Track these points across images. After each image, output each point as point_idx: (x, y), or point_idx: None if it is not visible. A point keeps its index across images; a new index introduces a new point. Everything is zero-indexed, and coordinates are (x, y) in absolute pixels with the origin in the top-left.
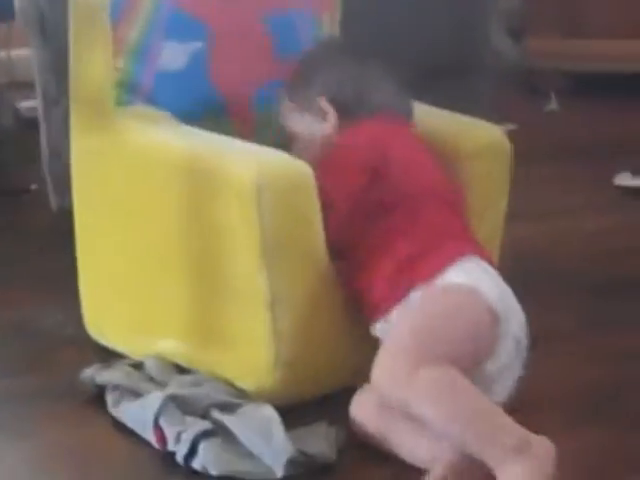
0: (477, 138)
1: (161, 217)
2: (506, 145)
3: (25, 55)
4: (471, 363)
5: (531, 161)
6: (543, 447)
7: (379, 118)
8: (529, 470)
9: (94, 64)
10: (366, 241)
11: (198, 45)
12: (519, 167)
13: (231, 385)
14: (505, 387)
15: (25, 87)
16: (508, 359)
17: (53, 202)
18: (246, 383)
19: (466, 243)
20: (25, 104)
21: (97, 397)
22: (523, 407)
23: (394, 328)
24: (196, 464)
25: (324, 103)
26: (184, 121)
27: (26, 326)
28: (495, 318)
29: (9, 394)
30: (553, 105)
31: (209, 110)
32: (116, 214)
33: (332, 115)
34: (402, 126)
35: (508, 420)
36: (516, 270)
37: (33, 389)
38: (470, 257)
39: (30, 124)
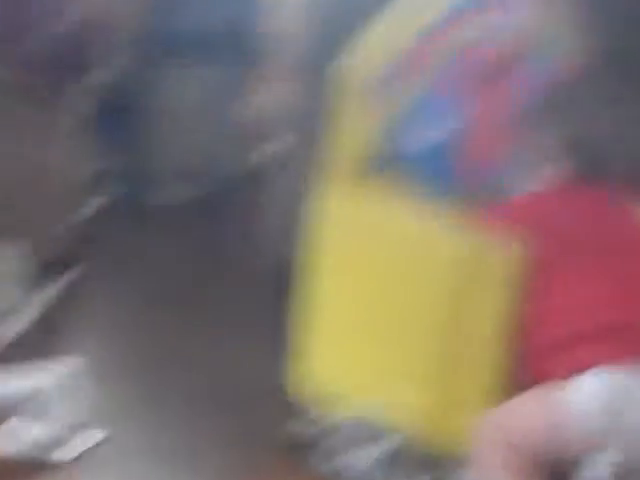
0: None
1: (411, 287)
2: None
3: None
4: None
5: None
6: None
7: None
8: None
9: (355, 136)
10: None
11: (450, 126)
12: None
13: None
14: None
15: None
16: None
17: (270, 252)
18: None
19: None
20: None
21: (297, 449)
22: None
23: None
24: None
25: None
26: (430, 195)
27: (229, 371)
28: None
29: (209, 440)
30: None
31: (452, 189)
32: (361, 275)
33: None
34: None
35: None
36: None
37: (234, 436)
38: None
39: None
